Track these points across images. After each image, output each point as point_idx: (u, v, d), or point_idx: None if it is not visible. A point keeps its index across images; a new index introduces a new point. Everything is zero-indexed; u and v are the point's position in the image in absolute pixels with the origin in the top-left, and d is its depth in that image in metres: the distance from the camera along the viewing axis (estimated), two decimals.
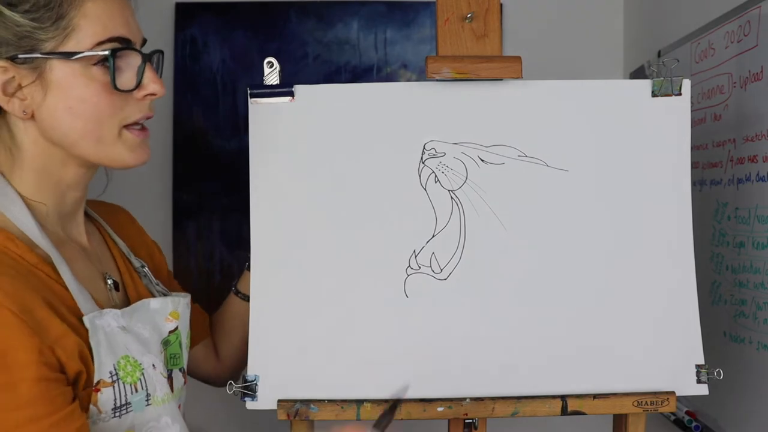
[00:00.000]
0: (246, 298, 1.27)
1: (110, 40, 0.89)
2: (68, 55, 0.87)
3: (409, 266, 1.19)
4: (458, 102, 1.20)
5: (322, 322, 1.17)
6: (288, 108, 1.20)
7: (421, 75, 2.32)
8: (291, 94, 1.20)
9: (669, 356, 1.19)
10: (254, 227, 1.19)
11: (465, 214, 1.20)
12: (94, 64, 0.89)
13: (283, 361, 1.16)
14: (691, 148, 1.22)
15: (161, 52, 1.00)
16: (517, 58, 1.18)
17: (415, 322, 1.17)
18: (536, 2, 2.35)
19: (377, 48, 2.33)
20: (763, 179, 1.40)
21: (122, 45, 0.91)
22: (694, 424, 1.62)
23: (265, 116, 1.19)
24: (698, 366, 1.19)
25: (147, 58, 0.94)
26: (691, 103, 1.23)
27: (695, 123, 1.64)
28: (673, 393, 1.18)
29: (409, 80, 2.32)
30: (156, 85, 0.95)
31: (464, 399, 1.16)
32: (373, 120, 1.20)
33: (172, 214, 2.26)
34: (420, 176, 1.20)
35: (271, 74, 1.20)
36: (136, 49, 0.93)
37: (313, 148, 1.20)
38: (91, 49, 0.88)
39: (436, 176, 1.20)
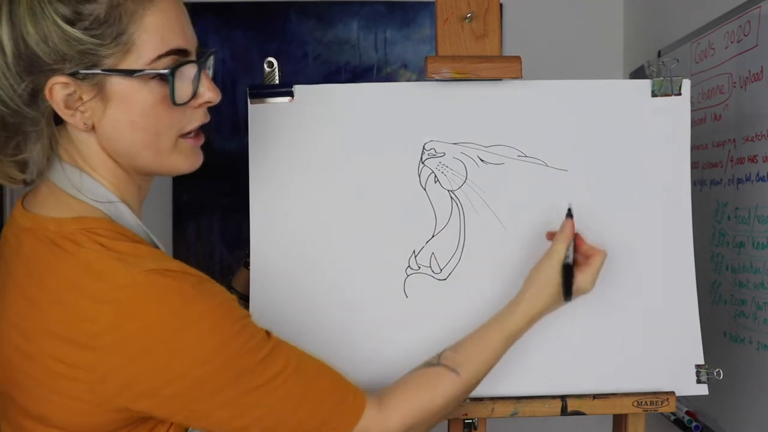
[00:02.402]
0: (241, 295, 1.27)
1: (169, 53, 0.90)
2: (129, 73, 0.88)
3: (409, 266, 1.19)
4: (458, 102, 1.20)
5: (321, 322, 1.17)
6: (288, 108, 1.20)
7: (421, 75, 2.31)
8: (291, 94, 1.20)
9: (669, 356, 1.19)
10: (254, 227, 1.19)
11: (465, 214, 1.20)
12: (152, 78, 0.90)
13: None
14: (691, 148, 1.22)
15: (215, 52, 1.01)
16: (517, 58, 1.18)
17: (415, 322, 1.17)
18: (536, 2, 2.35)
19: (377, 48, 2.33)
20: (763, 179, 1.40)
21: (180, 56, 0.92)
22: (694, 424, 1.62)
23: (265, 116, 1.19)
24: (698, 366, 1.19)
25: (202, 66, 0.95)
26: (691, 103, 1.23)
27: (695, 123, 1.64)
28: (673, 393, 1.18)
29: (409, 80, 2.32)
30: (212, 93, 0.95)
31: (464, 399, 1.16)
32: (372, 120, 1.20)
33: (172, 214, 2.26)
34: (420, 176, 1.20)
35: (271, 74, 1.20)
36: (192, 60, 0.93)
37: (313, 148, 1.20)
38: (150, 63, 0.89)
39: (435, 176, 1.20)
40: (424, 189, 1.19)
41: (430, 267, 1.19)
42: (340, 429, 0.93)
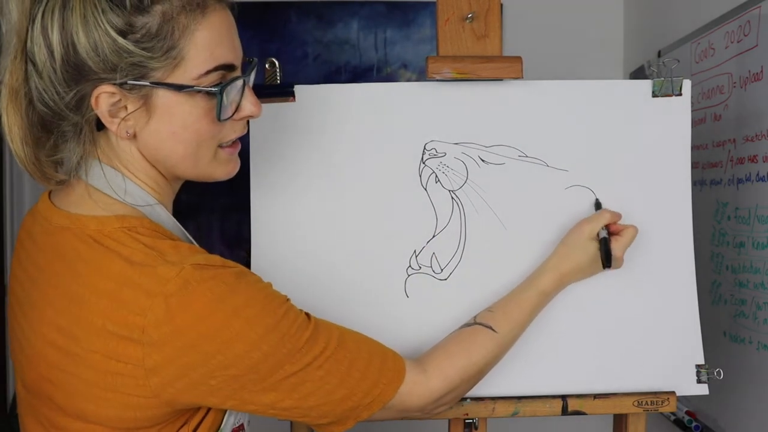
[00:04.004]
0: None
1: (217, 68, 0.90)
2: (178, 87, 0.89)
3: (410, 266, 1.19)
4: (459, 102, 1.20)
5: None
6: (288, 108, 1.20)
7: (421, 75, 2.32)
8: (291, 94, 1.20)
9: (669, 356, 1.19)
10: (254, 227, 1.19)
11: (465, 214, 1.20)
12: (198, 92, 0.90)
13: None
14: (691, 148, 1.23)
15: (256, 62, 1.01)
16: (518, 58, 1.18)
17: (416, 322, 1.17)
18: (536, 2, 2.35)
19: (377, 48, 2.33)
20: (763, 179, 1.40)
21: (227, 71, 0.92)
22: (694, 424, 1.63)
23: (266, 116, 1.19)
24: (698, 366, 1.19)
25: (246, 80, 0.95)
26: (691, 103, 1.23)
27: (695, 123, 1.64)
28: (673, 393, 1.18)
29: (409, 80, 2.32)
30: (254, 108, 0.96)
31: (464, 399, 1.16)
32: (373, 120, 1.20)
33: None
34: (420, 176, 1.20)
35: (273, 74, 1.20)
36: (239, 77, 0.94)
37: (313, 148, 1.20)
38: (198, 78, 0.89)
39: (436, 176, 1.20)
40: (425, 189, 1.20)
41: (431, 267, 1.19)
42: (386, 394, 0.95)
